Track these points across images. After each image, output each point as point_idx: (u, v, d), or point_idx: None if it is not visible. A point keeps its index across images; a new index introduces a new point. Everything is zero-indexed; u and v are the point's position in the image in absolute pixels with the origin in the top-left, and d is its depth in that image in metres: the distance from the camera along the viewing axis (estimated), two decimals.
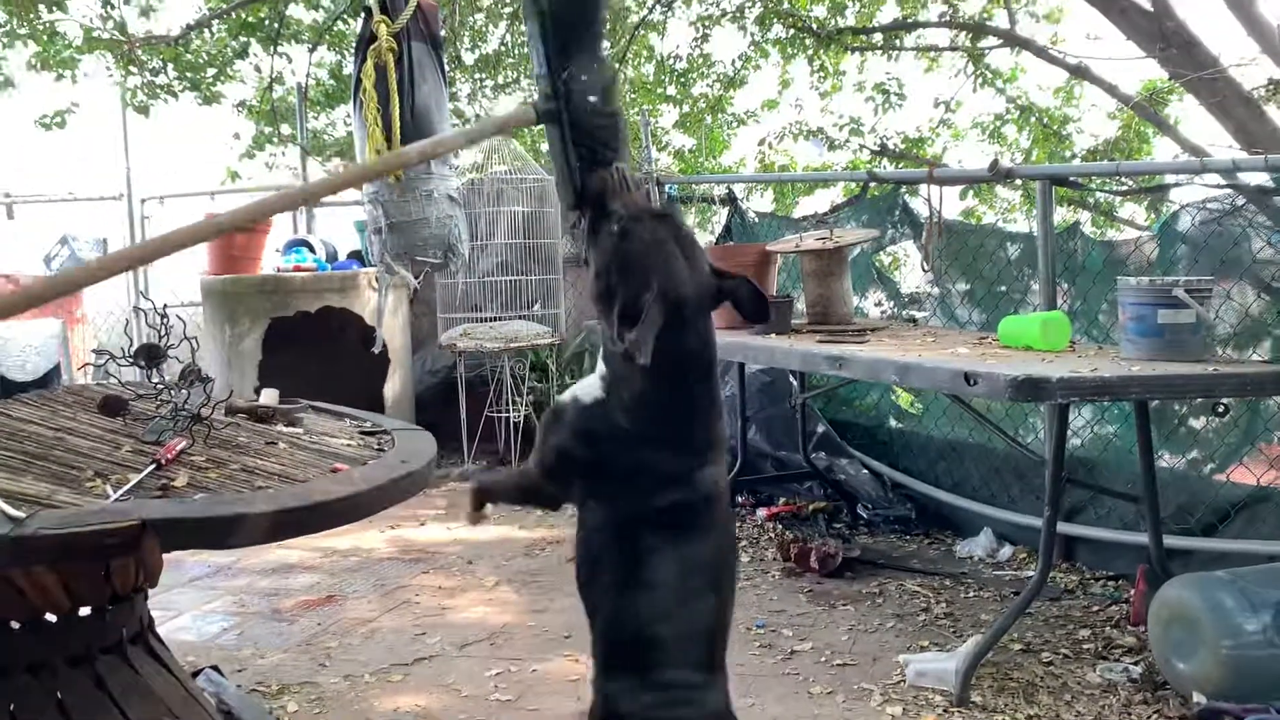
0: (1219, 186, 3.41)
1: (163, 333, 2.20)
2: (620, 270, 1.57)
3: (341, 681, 3.08)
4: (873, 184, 5.07)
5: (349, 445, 2.24)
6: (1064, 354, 3.13)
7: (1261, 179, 3.35)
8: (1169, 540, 3.23)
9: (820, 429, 4.91)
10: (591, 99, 1.53)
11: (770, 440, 4.94)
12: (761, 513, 4.61)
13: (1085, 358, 3.02)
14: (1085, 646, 3.13)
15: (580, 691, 2.95)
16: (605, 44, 1.65)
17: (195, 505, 1.76)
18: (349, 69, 4.40)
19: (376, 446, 2.27)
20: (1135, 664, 2.96)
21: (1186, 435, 3.87)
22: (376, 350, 5.40)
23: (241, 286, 5.73)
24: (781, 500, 4.73)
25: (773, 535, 4.31)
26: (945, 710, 2.75)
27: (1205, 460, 3.73)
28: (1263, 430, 3.49)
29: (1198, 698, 2.65)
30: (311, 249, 6.03)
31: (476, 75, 10.27)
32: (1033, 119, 9.18)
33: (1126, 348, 2.96)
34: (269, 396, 2.47)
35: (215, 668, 2.88)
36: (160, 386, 2.20)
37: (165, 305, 2.24)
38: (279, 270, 5.88)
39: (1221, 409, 3.32)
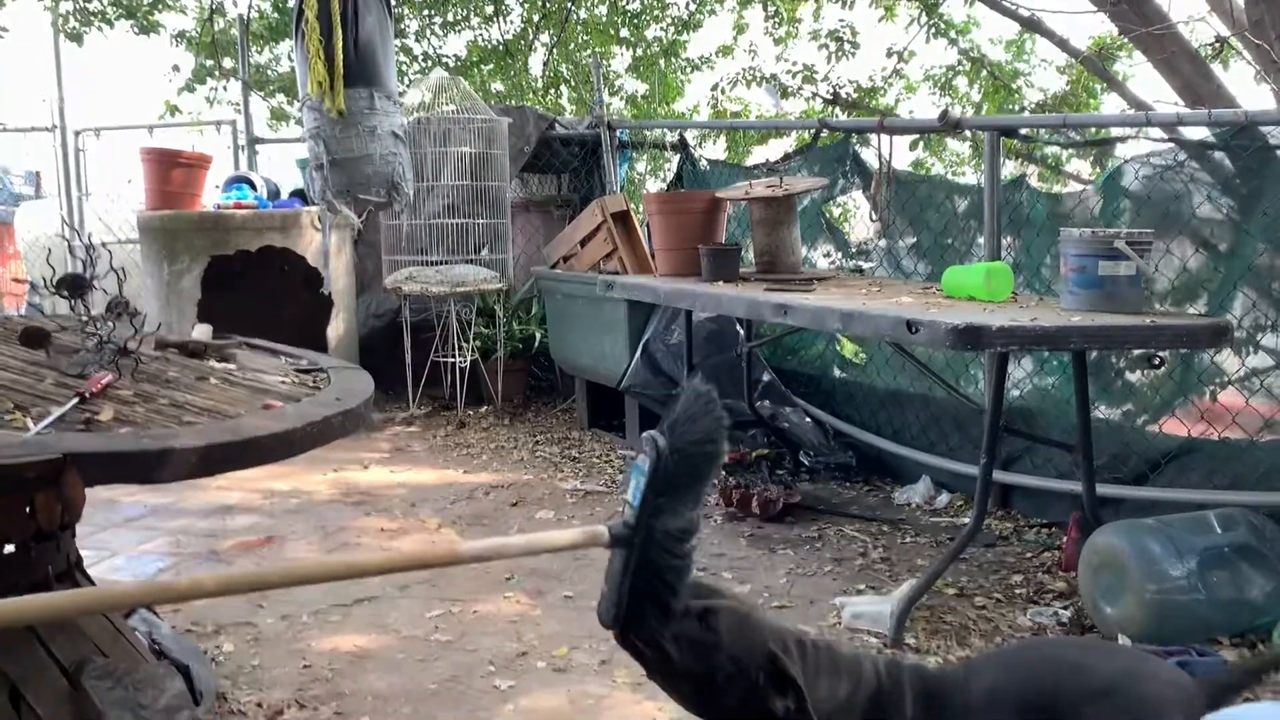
0: (1162, 140, 3.43)
1: (89, 263, 2.13)
2: (734, 661, 1.53)
3: (279, 622, 3.05)
4: (824, 133, 5.05)
5: (284, 382, 2.19)
6: (1006, 304, 3.16)
7: (1204, 134, 3.38)
8: (1102, 489, 3.30)
9: (765, 378, 4.93)
10: (672, 541, 1.46)
11: (716, 388, 4.94)
12: None
13: (1026, 308, 3.04)
14: (1017, 591, 3.20)
15: (520, 631, 2.96)
16: (706, 495, 1.55)
17: (120, 439, 1.72)
18: (293, 1, 4.27)
19: (312, 384, 2.23)
20: (1065, 608, 3.03)
21: (1123, 388, 3.93)
22: (326, 292, 5.33)
23: (180, 223, 5.59)
24: None
25: (715, 481, 4.34)
26: (879, 651, 2.79)
27: (1139, 412, 3.80)
28: (1195, 383, 3.56)
29: (1123, 640, 2.72)
30: (253, 186, 5.89)
31: (426, 12, 10.06)
32: (984, 72, 9.20)
33: (1067, 299, 2.99)
34: (202, 332, 2.41)
35: (149, 607, 2.83)
36: (86, 319, 2.14)
37: (93, 235, 2.16)
38: (219, 207, 5.74)
39: (1157, 361, 3.38)
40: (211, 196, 5.93)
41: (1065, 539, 3.37)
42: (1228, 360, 3.55)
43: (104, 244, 2.21)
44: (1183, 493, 3.26)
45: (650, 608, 1.46)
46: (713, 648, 1.50)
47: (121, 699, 2.14)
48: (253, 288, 5.48)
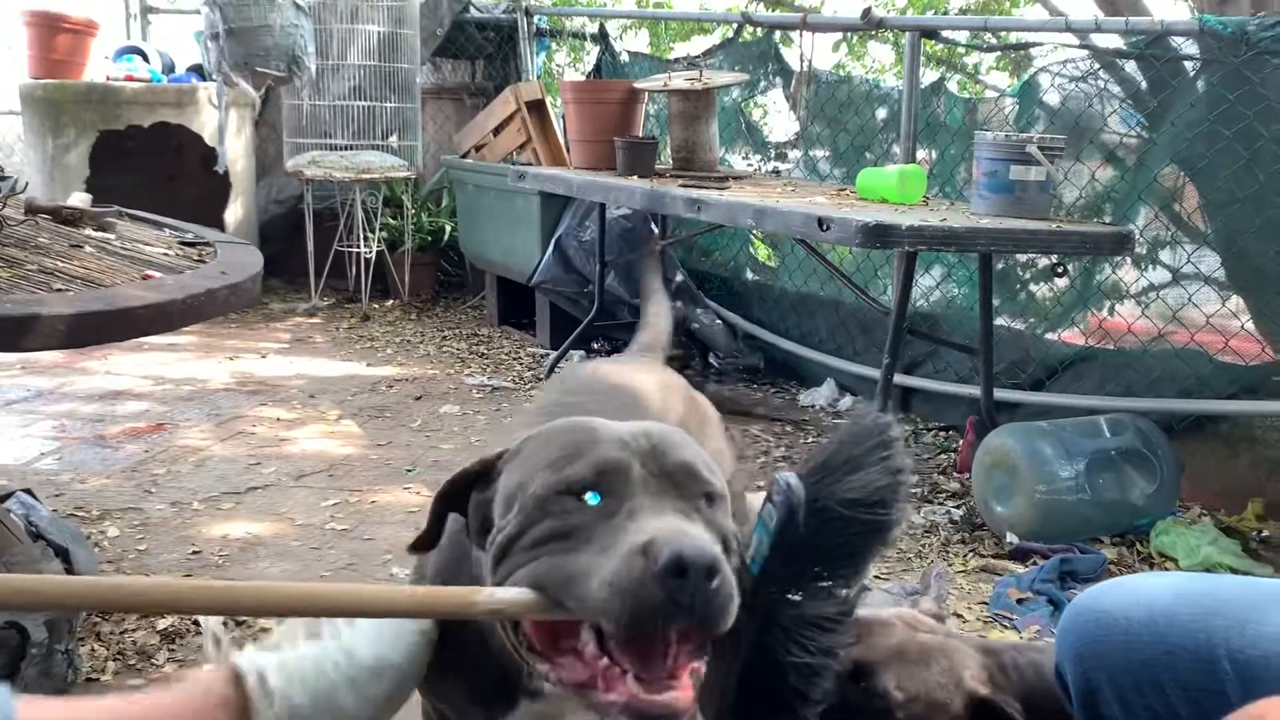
0: (1079, 46, 3.44)
1: None
2: None
3: (168, 508, 2.96)
4: (747, 29, 4.94)
5: (166, 254, 2.07)
6: (917, 207, 3.16)
7: (1119, 44, 3.39)
8: (999, 393, 3.36)
9: (678, 278, 4.89)
10: (808, 629, 0.96)
11: (628, 287, 4.89)
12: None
13: (937, 211, 3.05)
14: (912, 491, 3.26)
15: (419, 521, 2.92)
16: (867, 570, 1.03)
17: None
18: None
19: (197, 257, 2.11)
20: (957, 507, 3.10)
21: (1026, 299, 4.00)
22: (220, 170, 5.09)
23: (65, 94, 5.26)
24: None
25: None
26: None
27: (1039, 323, 3.87)
28: (1095, 294, 3.63)
29: (1011, 538, 2.80)
30: (145, 58, 5.55)
31: None
32: None
33: (977, 203, 3.00)
34: (78, 199, 2.26)
35: (28, 490, 2.71)
36: None
37: None
38: (108, 79, 5.41)
39: (1060, 270, 3.44)
40: (100, 69, 5.57)
41: (961, 442, 3.44)
42: (1127, 274, 3.63)
43: None
44: (1077, 398, 3.34)
45: (768, 710, 0.99)
46: (878, 715, 1.09)
47: None
48: (145, 167, 5.21)
